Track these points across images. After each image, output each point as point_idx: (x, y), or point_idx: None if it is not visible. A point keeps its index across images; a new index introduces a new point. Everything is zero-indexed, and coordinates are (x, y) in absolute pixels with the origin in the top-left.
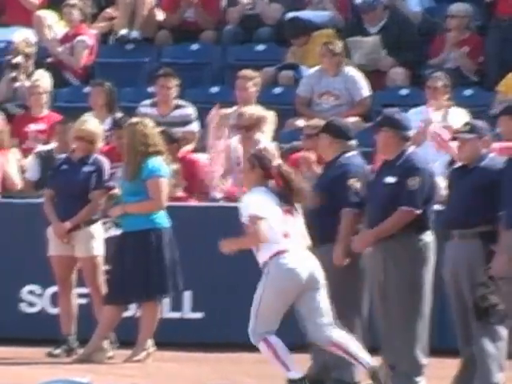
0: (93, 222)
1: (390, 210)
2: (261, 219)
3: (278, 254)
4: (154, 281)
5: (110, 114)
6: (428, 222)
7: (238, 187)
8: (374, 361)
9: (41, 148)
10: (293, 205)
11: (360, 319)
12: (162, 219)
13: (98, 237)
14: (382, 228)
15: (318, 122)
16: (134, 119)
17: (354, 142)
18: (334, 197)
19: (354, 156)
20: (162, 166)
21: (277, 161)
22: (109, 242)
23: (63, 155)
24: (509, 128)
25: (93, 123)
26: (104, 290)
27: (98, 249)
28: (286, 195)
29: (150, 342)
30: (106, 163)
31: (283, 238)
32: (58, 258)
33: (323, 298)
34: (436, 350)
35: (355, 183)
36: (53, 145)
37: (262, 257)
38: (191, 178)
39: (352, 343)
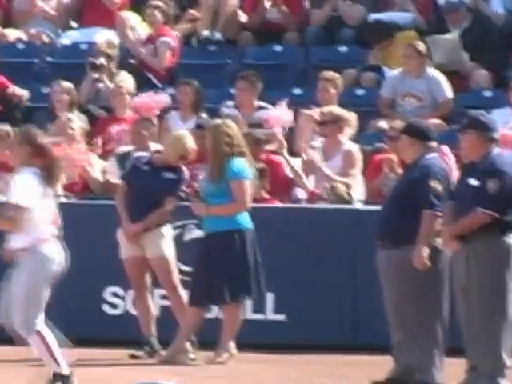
0: (162, 224)
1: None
2: (23, 209)
3: (39, 242)
4: (238, 282)
5: (196, 113)
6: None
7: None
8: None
9: (120, 149)
10: (54, 188)
11: (440, 320)
12: (246, 220)
13: (167, 237)
14: (457, 226)
15: (402, 123)
16: (218, 120)
17: (434, 144)
18: (413, 198)
19: (434, 157)
20: (245, 167)
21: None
22: (191, 243)
23: (144, 153)
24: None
25: (191, 140)
26: (183, 290)
27: (169, 249)
28: (50, 177)
29: (232, 344)
30: (186, 173)
31: (44, 225)
32: (130, 260)
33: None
34: None
35: (436, 185)
36: (133, 146)
37: (18, 243)
38: (274, 179)
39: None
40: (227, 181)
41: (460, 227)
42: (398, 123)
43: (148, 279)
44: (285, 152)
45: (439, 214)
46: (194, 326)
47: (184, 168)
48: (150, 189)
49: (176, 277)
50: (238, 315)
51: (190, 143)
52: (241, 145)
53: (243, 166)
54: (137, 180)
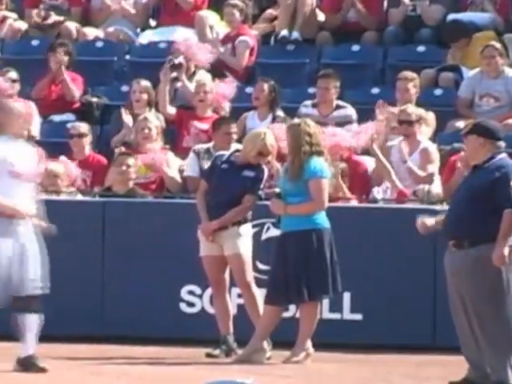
0: (241, 223)
1: None
2: None
3: None
4: (315, 281)
5: (272, 111)
6: None
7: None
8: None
9: (199, 146)
10: None
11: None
12: (323, 219)
13: (245, 235)
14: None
15: None
16: (297, 120)
17: (503, 144)
18: (493, 198)
19: (506, 158)
20: (324, 166)
21: None
22: (268, 242)
23: (223, 152)
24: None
25: (271, 137)
26: (257, 289)
27: (246, 247)
28: None
29: (309, 343)
30: (266, 172)
31: None
32: (208, 258)
33: None
34: None
35: None
36: (211, 144)
37: None
38: (353, 178)
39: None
40: (306, 180)
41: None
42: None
43: (227, 277)
44: (375, 145)
45: None
46: (270, 324)
47: (264, 167)
48: (230, 187)
49: (251, 275)
50: (316, 314)
51: (270, 140)
52: (320, 144)
53: (322, 165)
54: (217, 178)
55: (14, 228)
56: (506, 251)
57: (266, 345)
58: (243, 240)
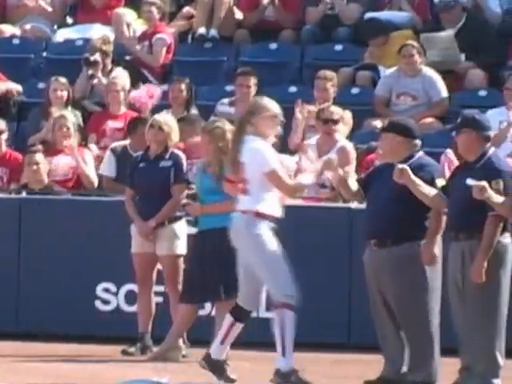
0: (176, 219)
1: (469, 212)
2: None
3: None
4: (232, 279)
5: (187, 110)
6: (507, 225)
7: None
8: None
9: (116, 144)
10: None
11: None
12: None
13: (181, 235)
14: (487, 244)
15: None
16: (215, 122)
17: (419, 142)
18: (416, 199)
19: (425, 156)
20: None
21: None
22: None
23: (139, 153)
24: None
25: (168, 118)
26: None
27: (181, 248)
28: None
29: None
30: (183, 157)
31: None
32: (140, 255)
33: None
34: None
35: (441, 182)
36: (128, 141)
37: None
38: None
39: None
40: (224, 179)
41: (490, 243)
42: None
43: (154, 276)
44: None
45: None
46: (186, 323)
47: (178, 152)
48: (152, 183)
49: (181, 276)
50: None
51: (163, 119)
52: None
53: None
54: (138, 179)
55: None
56: (437, 250)
57: (181, 343)
58: (179, 240)
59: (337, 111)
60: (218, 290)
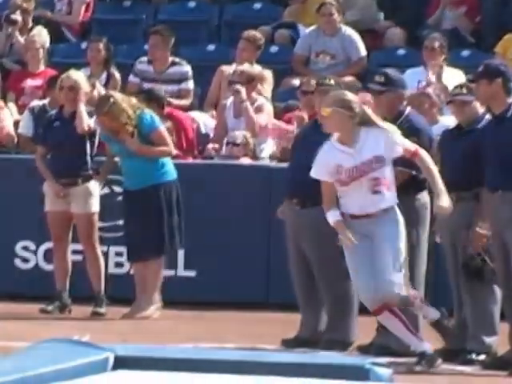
0: (89, 178)
1: None
2: None
3: None
4: (160, 237)
5: (106, 69)
6: (425, 183)
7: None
8: None
9: (34, 103)
10: None
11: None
12: (171, 171)
13: (95, 194)
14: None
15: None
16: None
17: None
18: None
19: (413, 114)
20: (154, 116)
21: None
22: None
23: (53, 111)
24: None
25: (77, 73)
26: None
27: (95, 206)
28: None
29: (157, 298)
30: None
31: None
32: (54, 214)
33: None
34: None
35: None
36: (46, 100)
37: None
38: (180, 135)
39: None
40: (145, 135)
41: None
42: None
43: (69, 234)
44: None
45: None
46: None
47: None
48: (65, 141)
49: (96, 235)
50: (160, 270)
51: (73, 76)
52: (133, 112)
53: (152, 116)
54: (51, 137)
55: None
56: None
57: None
58: (92, 198)
59: (251, 72)
60: (143, 249)
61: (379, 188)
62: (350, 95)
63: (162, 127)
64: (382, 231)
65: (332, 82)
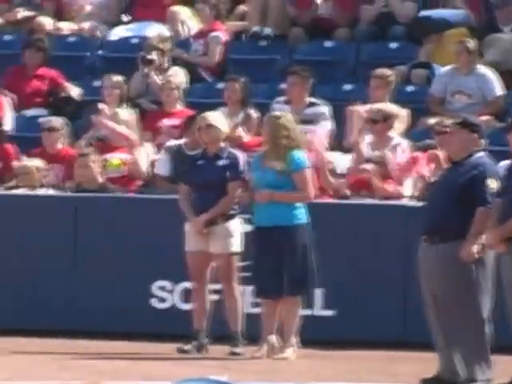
0: (230, 217)
1: None
2: None
3: None
4: (297, 277)
5: (243, 109)
6: None
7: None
8: None
9: (170, 143)
10: None
11: (484, 318)
12: (304, 214)
13: (235, 233)
14: (506, 228)
15: (450, 120)
16: (277, 112)
17: (484, 142)
18: (468, 196)
19: (485, 156)
20: (305, 157)
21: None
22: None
23: (196, 151)
24: None
25: (214, 114)
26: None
27: (236, 246)
28: None
29: (293, 339)
30: (240, 156)
31: None
32: (194, 253)
33: None
34: None
35: (493, 183)
36: (183, 140)
37: None
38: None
39: None
40: (290, 172)
41: (509, 229)
42: (447, 120)
43: (208, 273)
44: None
45: (492, 211)
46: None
47: (236, 151)
48: (209, 180)
49: (236, 275)
50: (298, 309)
51: (212, 117)
52: (297, 138)
53: (303, 156)
54: (195, 176)
55: None
56: (475, 248)
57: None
58: (233, 238)
59: (384, 111)
60: (282, 287)
61: None
62: None
63: (309, 170)
64: None
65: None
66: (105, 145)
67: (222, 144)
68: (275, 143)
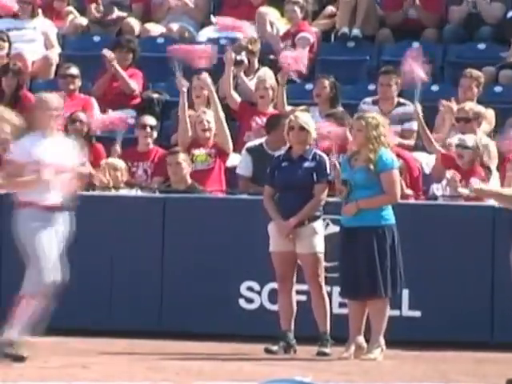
0: (315, 218)
1: None
2: None
3: None
4: (386, 278)
5: (333, 107)
6: None
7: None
8: None
9: (251, 143)
10: None
11: None
12: (391, 215)
13: (320, 233)
14: None
15: None
16: (366, 113)
17: None
18: None
19: None
20: (393, 157)
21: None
22: (328, 239)
23: (281, 152)
24: None
25: (306, 116)
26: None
27: (321, 246)
28: None
29: (382, 340)
30: (326, 158)
31: None
32: (279, 254)
33: None
34: None
35: None
36: (263, 139)
37: None
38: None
39: None
40: (377, 172)
41: None
42: None
43: (294, 274)
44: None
45: None
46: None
47: (321, 153)
48: (294, 182)
49: (323, 275)
50: (386, 310)
51: (302, 117)
52: (386, 136)
53: (391, 156)
54: (280, 178)
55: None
56: None
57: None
58: (318, 238)
59: (474, 110)
60: (373, 288)
61: None
62: None
63: (396, 171)
64: None
65: None
66: (191, 143)
67: (307, 146)
68: (364, 144)
